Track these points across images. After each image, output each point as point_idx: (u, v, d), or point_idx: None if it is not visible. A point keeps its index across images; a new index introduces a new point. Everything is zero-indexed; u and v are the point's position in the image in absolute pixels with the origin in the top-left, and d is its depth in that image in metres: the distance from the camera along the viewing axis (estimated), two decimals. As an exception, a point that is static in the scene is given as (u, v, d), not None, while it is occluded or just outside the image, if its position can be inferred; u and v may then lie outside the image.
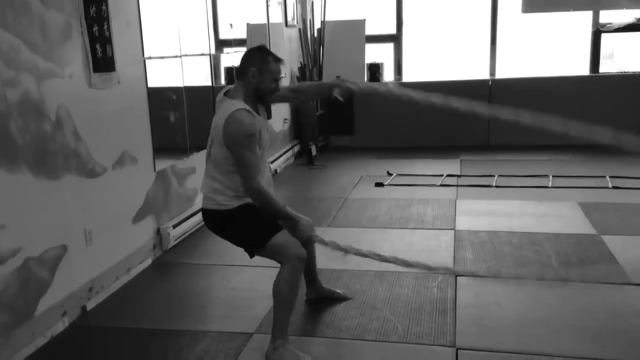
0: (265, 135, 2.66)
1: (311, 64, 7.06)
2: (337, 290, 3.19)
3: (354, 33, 7.42)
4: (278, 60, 2.63)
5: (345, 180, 5.78)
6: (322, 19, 7.22)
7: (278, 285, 2.54)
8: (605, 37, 7.11)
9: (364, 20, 7.44)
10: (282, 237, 2.58)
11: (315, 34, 7.28)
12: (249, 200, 2.61)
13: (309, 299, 3.14)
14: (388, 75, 7.64)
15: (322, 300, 3.12)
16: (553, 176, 5.54)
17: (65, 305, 2.98)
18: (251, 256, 2.66)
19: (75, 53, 3.07)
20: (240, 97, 2.58)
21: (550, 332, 2.75)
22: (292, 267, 2.51)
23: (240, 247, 2.68)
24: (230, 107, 2.54)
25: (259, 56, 2.60)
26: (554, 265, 3.51)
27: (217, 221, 2.66)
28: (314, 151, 6.81)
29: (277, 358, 2.53)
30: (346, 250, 2.83)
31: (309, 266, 3.06)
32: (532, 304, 3.05)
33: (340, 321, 2.94)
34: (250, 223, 2.61)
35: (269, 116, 4.83)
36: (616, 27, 7.00)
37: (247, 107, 2.54)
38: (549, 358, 2.54)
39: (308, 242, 2.80)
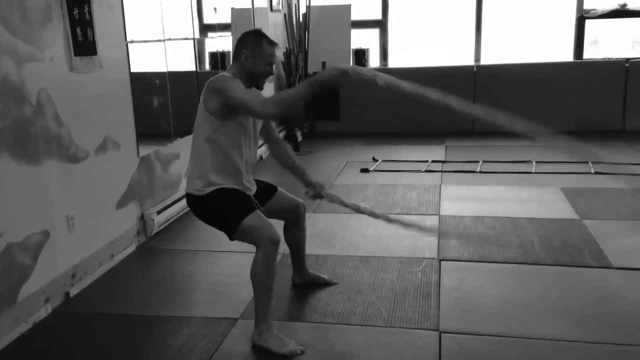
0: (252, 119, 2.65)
1: (296, 49, 7.01)
2: (323, 276, 3.20)
3: (340, 18, 7.39)
4: (272, 43, 2.62)
5: (331, 166, 5.78)
6: (308, 4, 7.17)
7: (253, 268, 2.54)
8: (589, 24, 7.15)
9: (350, 5, 7.40)
10: (255, 220, 2.56)
11: (301, 19, 7.23)
12: (223, 184, 2.60)
13: (294, 284, 3.15)
14: (374, 61, 7.62)
15: (308, 286, 3.13)
16: (536, 162, 5.58)
17: (48, 292, 2.96)
18: (230, 239, 2.65)
19: (56, 36, 3.02)
20: (230, 74, 2.59)
21: (533, 316, 2.78)
22: (265, 249, 2.50)
23: (219, 229, 2.68)
24: (214, 77, 2.58)
25: (254, 38, 2.60)
26: (537, 249, 3.54)
27: (195, 205, 2.67)
28: (299, 137, 6.79)
29: (262, 343, 2.54)
30: (362, 210, 2.96)
31: (297, 251, 3.07)
32: (515, 287, 3.09)
33: (325, 306, 2.95)
34: (224, 206, 2.60)
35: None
36: (600, 13, 7.04)
37: (230, 76, 2.55)
38: (531, 341, 2.57)
39: (297, 227, 2.89)
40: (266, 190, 2.87)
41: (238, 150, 2.63)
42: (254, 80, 2.62)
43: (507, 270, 3.30)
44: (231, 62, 2.67)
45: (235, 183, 2.64)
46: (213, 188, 2.60)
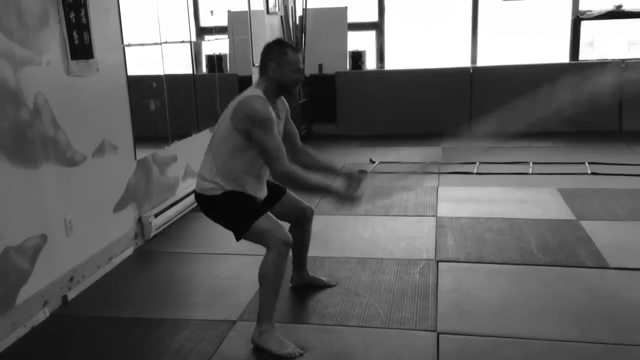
0: (279, 129, 2.66)
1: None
2: (322, 278, 3.20)
3: (336, 20, 7.41)
4: (296, 50, 2.64)
5: (327, 168, 5.78)
6: (304, 7, 7.18)
7: (264, 268, 2.54)
8: (585, 25, 7.17)
9: (346, 7, 7.42)
10: (267, 221, 2.57)
11: (297, 22, 7.24)
12: (236, 188, 2.61)
13: (293, 285, 3.15)
14: (370, 63, 7.64)
15: (306, 287, 3.13)
16: (533, 163, 5.59)
17: (46, 295, 2.96)
18: (237, 239, 2.66)
19: (52, 40, 3.02)
20: (260, 89, 2.60)
21: (530, 316, 2.79)
22: (277, 251, 2.51)
23: (227, 229, 2.69)
24: (247, 92, 2.59)
25: (277, 49, 2.61)
26: (534, 250, 3.55)
27: (206, 204, 2.67)
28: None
29: (262, 343, 2.54)
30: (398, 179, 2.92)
31: (300, 252, 3.08)
32: (513, 288, 3.09)
33: (323, 308, 2.95)
34: (235, 207, 2.61)
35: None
36: (596, 14, 7.06)
37: (262, 95, 2.56)
38: (529, 341, 2.58)
39: (304, 229, 2.87)
40: (275, 193, 2.87)
41: (259, 166, 2.64)
42: (285, 90, 2.64)
43: (505, 271, 3.31)
44: (258, 76, 2.68)
45: (250, 192, 2.66)
46: (227, 190, 2.61)
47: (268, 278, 2.53)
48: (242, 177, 2.62)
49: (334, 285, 3.16)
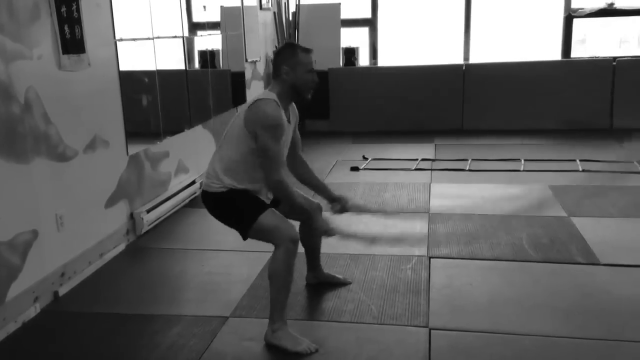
0: (287, 135, 2.66)
1: (286, 48, 7.00)
2: (337, 276, 3.19)
3: (329, 17, 7.40)
4: (307, 51, 2.64)
5: (321, 164, 5.78)
6: (297, 2, 7.17)
7: (273, 266, 2.54)
8: (577, 22, 7.20)
9: (339, 3, 7.41)
10: (272, 217, 2.57)
11: (290, 17, 7.23)
12: (241, 187, 2.61)
13: (308, 284, 3.14)
14: (363, 60, 7.63)
15: (322, 285, 3.11)
16: (525, 160, 5.62)
17: (37, 291, 2.94)
18: (244, 238, 2.65)
19: (44, 34, 3.00)
20: (274, 93, 2.60)
21: (522, 312, 2.80)
22: (285, 248, 2.51)
23: (232, 228, 2.68)
24: (261, 95, 2.60)
25: (288, 51, 2.62)
26: (525, 246, 3.57)
27: (209, 203, 2.67)
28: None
29: (275, 341, 2.54)
30: (373, 238, 2.91)
31: (313, 251, 3.08)
32: (504, 284, 3.11)
33: (315, 304, 2.96)
34: (239, 203, 2.60)
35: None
36: (588, 12, 7.09)
37: (277, 100, 2.56)
38: (520, 337, 2.59)
39: (327, 234, 2.83)
40: None
41: None
42: (300, 92, 2.63)
43: (496, 267, 3.32)
44: (272, 80, 2.68)
45: (258, 193, 2.66)
46: (231, 188, 2.61)
47: (278, 276, 2.53)
48: (250, 179, 2.62)
49: (350, 283, 3.15)
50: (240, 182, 2.61)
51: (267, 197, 2.74)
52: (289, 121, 2.68)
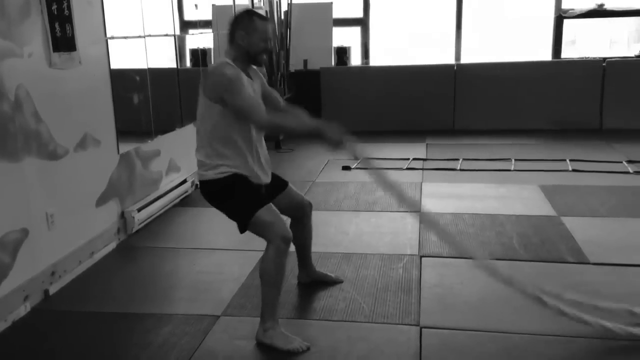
0: (251, 89, 2.59)
1: (278, 47, 7.01)
2: (329, 274, 3.19)
3: (321, 16, 7.40)
4: (264, 18, 2.64)
5: (312, 163, 5.79)
6: (289, 1, 7.16)
7: (264, 265, 2.53)
8: (567, 23, 7.25)
9: (331, 3, 7.41)
10: (269, 214, 2.55)
11: (282, 17, 7.22)
12: (234, 168, 2.57)
13: (300, 282, 3.13)
14: (355, 59, 7.64)
15: (314, 284, 3.11)
16: (515, 159, 5.65)
17: (27, 290, 2.93)
18: (241, 231, 2.63)
19: (34, 32, 2.99)
20: (229, 58, 2.59)
21: (512, 311, 2.82)
22: (277, 246, 2.50)
23: (232, 219, 2.65)
24: (215, 62, 2.58)
25: (245, 18, 2.61)
26: (516, 246, 3.59)
27: (206, 191, 2.64)
28: (281, 135, 6.78)
29: (267, 340, 2.53)
30: (378, 170, 2.84)
31: (304, 250, 3.06)
32: (494, 283, 3.10)
33: (307, 303, 2.96)
34: (239, 195, 2.58)
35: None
36: (578, 13, 7.14)
37: (230, 62, 2.54)
38: (510, 335, 2.61)
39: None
40: (277, 185, 2.84)
41: (246, 134, 2.59)
42: (253, 58, 2.62)
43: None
44: (227, 45, 2.66)
45: (246, 168, 2.60)
46: (226, 173, 2.56)
47: (269, 275, 2.52)
48: (235, 147, 2.56)
49: (342, 282, 3.14)
50: (226, 156, 2.56)
51: (261, 171, 2.68)
52: (251, 79, 2.63)
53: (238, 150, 2.58)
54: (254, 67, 2.71)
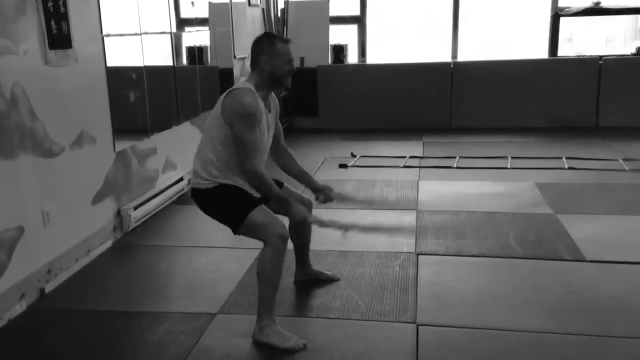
0: (265, 123, 2.63)
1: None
2: (326, 272, 3.19)
3: (318, 14, 7.39)
4: (286, 41, 2.64)
5: (309, 161, 5.78)
6: (286, -1, 7.15)
7: (262, 264, 2.53)
8: (563, 21, 7.26)
9: (328, 1, 7.40)
10: (262, 214, 2.56)
11: (279, 14, 7.21)
12: (229, 181, 2.60)
13: (296, 280, 3.13)
14: (352, 57, 7.64)
15: (310, 282, 3.11)
16: (512, 157, 5.66)
17: (23, 288, 2.92)
18: (235, 233, 2.63)
19: (30, 29, 2.98)
20: (252, 83, 2.59)
21: (508, 308, 2.82)
22: (274, 246, 2.50)
23: (223, 223, 2.66)
24: (237, 85, 2.59)
25: (266, 41, 2.61)
26: (512, 243, 3.59)
27: (200, 200, 2.65)
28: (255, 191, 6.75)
29: (264, 339, 2.53)
30: (347, 227, 2.87)
31: (302, 248, 3.07)
32: (491, 281, 3.13)
33: (304, 300, 2.96)
34: (229, 199, 2.60)
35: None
36: (574, 11, 7.15)
37: (253, 89, 2.55)
38: (506, 333, 2.61)
39: (302, 225, 2.81)
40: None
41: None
42: (279, 81, 2.63)
43: (483, 264, 3.34)
44: (250, 70, 2.67)
45: (245, 186, 2.64)
46: (221, 182, 2.59)
47: (266, 274, 2.52)
48: (233, 168, 2.60)
49: (338, 280, 3.14)
50: (224, 173, 2.59)
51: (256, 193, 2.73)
52: (269, 110, 2.67)
53: (236, 171, 2.60)
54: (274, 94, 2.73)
